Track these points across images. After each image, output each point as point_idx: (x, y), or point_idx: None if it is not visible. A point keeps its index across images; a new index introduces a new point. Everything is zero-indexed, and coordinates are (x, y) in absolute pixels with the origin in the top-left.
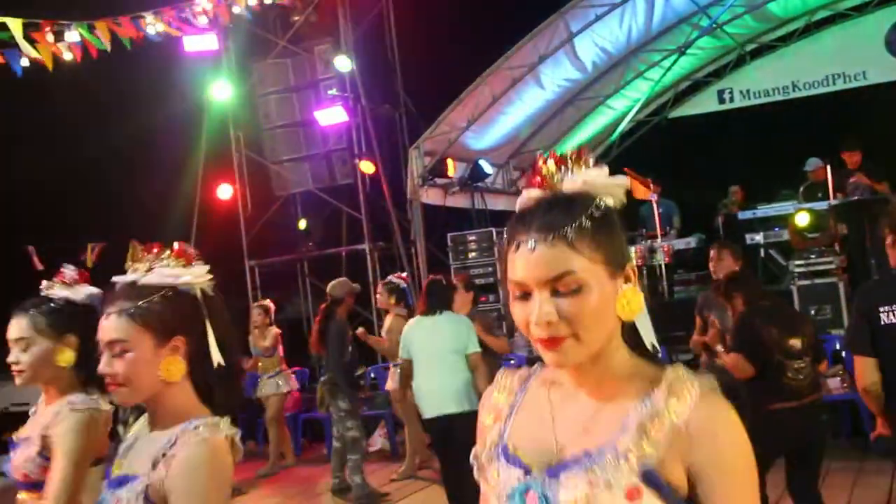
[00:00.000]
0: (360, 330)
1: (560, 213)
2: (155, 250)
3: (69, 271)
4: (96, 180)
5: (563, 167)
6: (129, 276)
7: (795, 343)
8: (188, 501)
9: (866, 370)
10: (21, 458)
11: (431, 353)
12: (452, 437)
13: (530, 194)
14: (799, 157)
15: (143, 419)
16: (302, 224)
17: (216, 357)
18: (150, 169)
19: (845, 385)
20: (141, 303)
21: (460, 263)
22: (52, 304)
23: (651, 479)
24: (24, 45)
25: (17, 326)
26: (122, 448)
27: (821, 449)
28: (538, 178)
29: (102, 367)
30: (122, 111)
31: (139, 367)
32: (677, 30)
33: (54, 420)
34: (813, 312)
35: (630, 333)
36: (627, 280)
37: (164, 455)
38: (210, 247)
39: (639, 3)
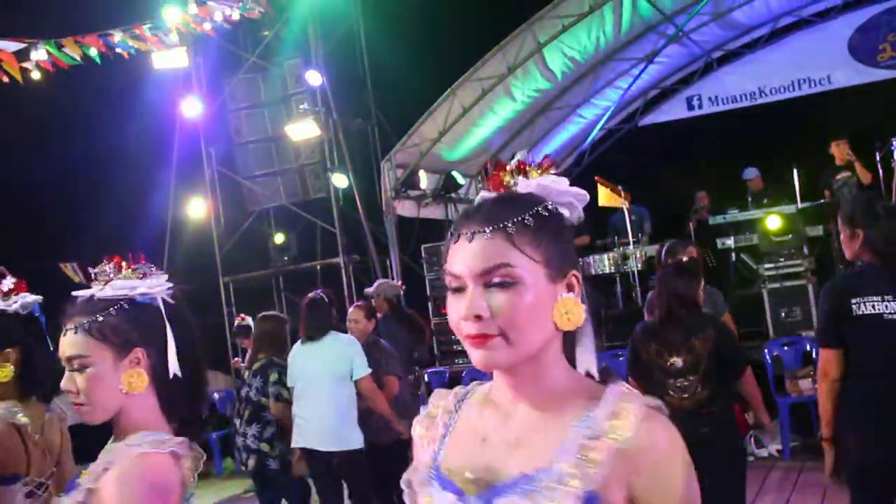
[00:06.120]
0: None
1: (504, 208)
2: (111, 264)
3: (6, 281)
4: (66, 197)
5: (520, 171)
6: (87, 291)
7: (676, 361)
8: None
9: (832, 363)
10: None
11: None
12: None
13: (484, 195)
14: (768, 162)
15: None
16: (279, 238)
17: (173, 368)
18: (121, 186)
19: (816, 386)
20: (97, 316)
21: (435, 275)
22: None
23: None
24: None
25: None
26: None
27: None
28: (494, 181)
29: (65, 384)
30: (92, 128)
31: (99, 383)
32: (645, 38)
33: None
34: (783, 315)
35: (570, 349)
36: (570, 289)
37: (103, 468)
38: (184, 263)
39: (606, 13)
